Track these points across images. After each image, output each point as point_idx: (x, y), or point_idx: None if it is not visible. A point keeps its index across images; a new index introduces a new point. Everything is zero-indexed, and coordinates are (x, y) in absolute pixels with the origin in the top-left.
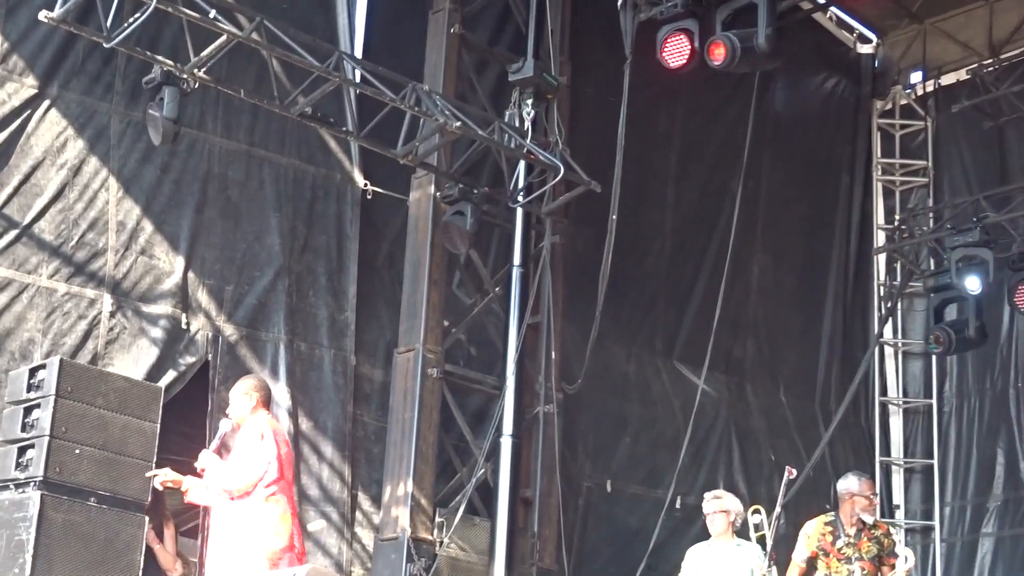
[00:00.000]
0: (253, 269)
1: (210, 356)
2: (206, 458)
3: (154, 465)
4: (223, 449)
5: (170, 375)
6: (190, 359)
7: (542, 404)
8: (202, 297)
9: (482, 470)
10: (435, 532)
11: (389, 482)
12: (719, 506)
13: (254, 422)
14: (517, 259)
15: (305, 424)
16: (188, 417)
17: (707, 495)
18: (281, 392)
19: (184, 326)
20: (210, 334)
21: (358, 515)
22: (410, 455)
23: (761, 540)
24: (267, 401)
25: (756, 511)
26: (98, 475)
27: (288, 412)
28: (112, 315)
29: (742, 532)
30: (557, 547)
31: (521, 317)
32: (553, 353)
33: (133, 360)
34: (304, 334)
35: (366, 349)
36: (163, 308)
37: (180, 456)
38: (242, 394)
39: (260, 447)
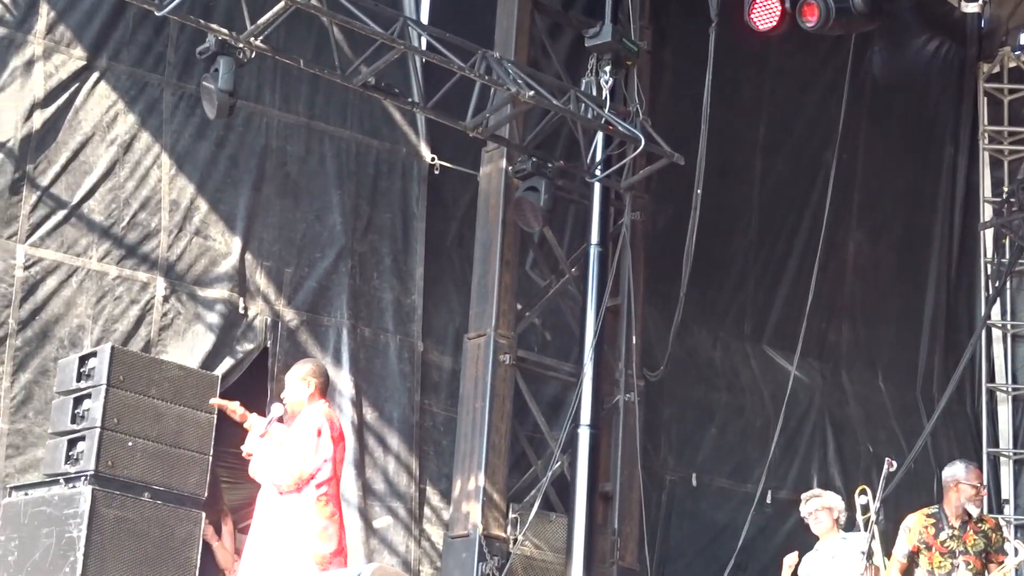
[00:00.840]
0: (314, 250)
1: (269, 343)
2: (254, 443)
3: (211, 459)
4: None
5: (227, 363)
6: (248, 346)
7: (622, 392)
8: (260, 280)
9: (558, 463)
10: (508, 529)
11: (459, 476)
12: (821, 503)
13: (311, 413)
14: (595, 237)
15: (370, 414)
16: (247, 404)
17: (805, 495)
18: (344, 380)
19: (241, 311)
20: (269, 319)
21: (426, 511)
22: (481, 447)
23: (868, 523)
24: (326, 389)
25: (863, 491)
26: (152, 469)
27: (351, 401)
28: (166, 299)
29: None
30: (639, 545)
31: (599, 300)
32: (634, 338)
33: (188, 347)
34: (368, 319)
35: (434, 334)
36: (219, 292)
37: (239, 449)
38: (299, 379)
39: (317, 443)
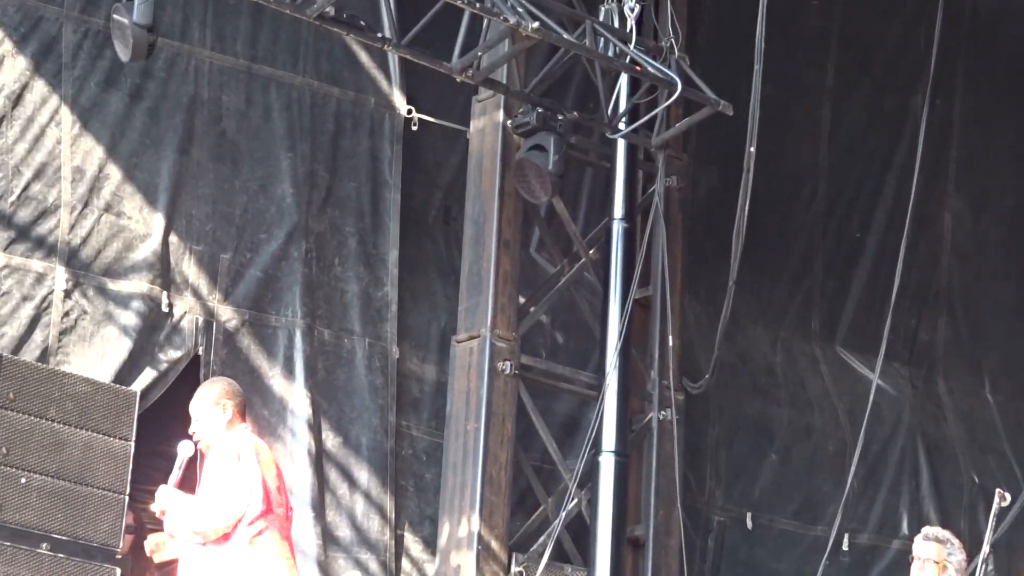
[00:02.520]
0: (258, 230)
1: (201, 349)
2: (165, 496)
3: (127, 498)
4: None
5: (148, 375)
6: (174, 353)
7: (655, 409)
8: (189, 269)
9: (574, 501)
10: None
11: (447, 519)
12: (954, 550)
13: (229, 441)
14: (618, 210)
15: (331, 440)
16: (172, 432)
17: (929, 532)
18: (298, 397)
19: (165, 309)
20: (200, 319)
21: (405, 564)
22: (475, 481)
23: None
24: (244, 411)
25: (1003, 497)
26: (52, 513)
27: (307, 424)
28: (68, 295)
29: None
30: None
31: (625, 290)
32: (670, 339)
33: (97, 355)
34: (328, 318)
35: (413, 337)
36: (137, 285)
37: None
38: (209, 405)
39: (238, 473)
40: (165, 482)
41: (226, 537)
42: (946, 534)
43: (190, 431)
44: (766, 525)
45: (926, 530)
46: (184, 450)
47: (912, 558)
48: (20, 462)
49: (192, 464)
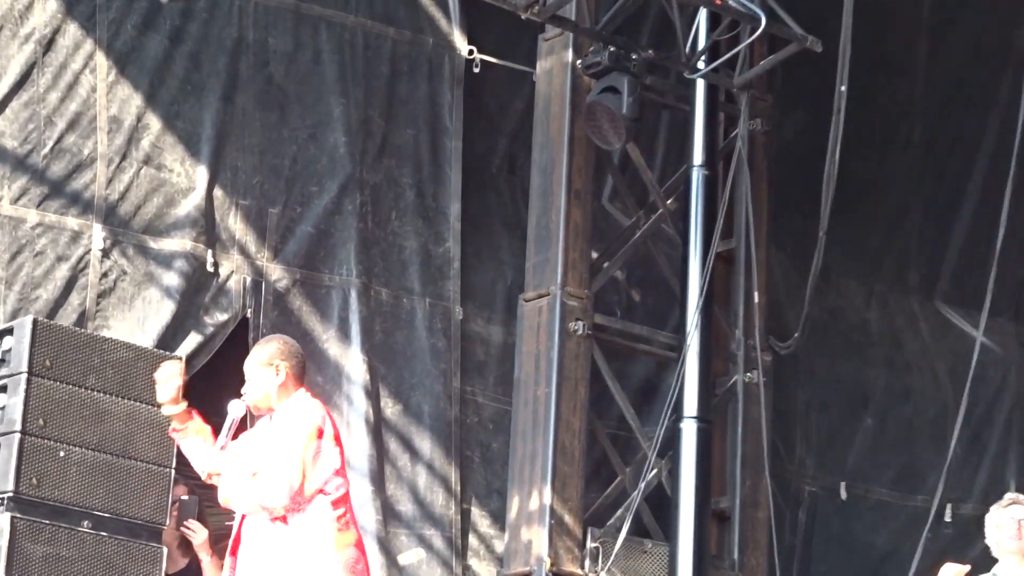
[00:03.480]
0: (308, 182)
1: (249, 311)
2: (214, 459)
3: (173, 472)
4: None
5: (193, 340)
6: (221, 316)
7: (740, 371)
8: (235, 225)
9: (654, 471)
10: (587, 564)
11: (517, 491)
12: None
13: (296, 407)
14: (698, 157)
15: (391, 408)
16: (219, 400)
17: (1010, 496)
18: (354, 362)
19: (210, 268)
20: (248, 279)
21: (472, 540)
22: (546, 451)
23: None
24: (302, 374)
25: None
26: (93, 488)
27: (365, 391)
28: (106, 255)
29: None
30: None
31: (706, 243)
32: (756, 295)
33: (138, 320)
34: (386, 276)
35: (477, 296)
36: (179, 243)
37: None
38: (262, 365)
39: (318, 446)
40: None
41: (298, 507)
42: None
43: (242, 391)
44: (861, 495)
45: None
46: (234, 410)
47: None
48: (58, 434)
49: (243, 426)
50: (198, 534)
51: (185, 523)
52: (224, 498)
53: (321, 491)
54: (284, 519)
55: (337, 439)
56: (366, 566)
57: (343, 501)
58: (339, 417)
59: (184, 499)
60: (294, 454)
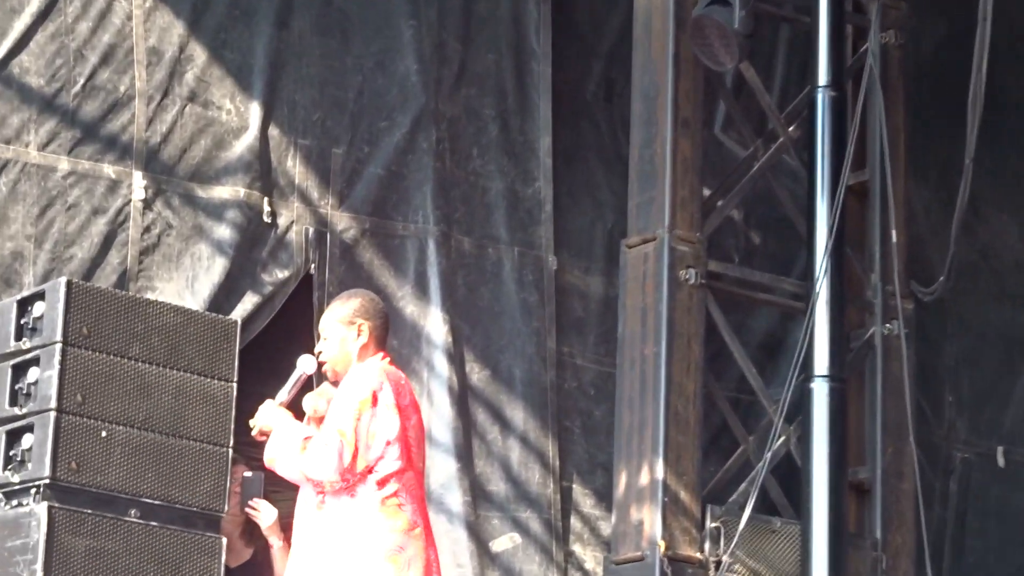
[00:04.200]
0: (376, 117)
1: (313, 266)
2: (270, 415)
3: (230, 452)
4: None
5: (249, 301)
6: (280, 273)
7: (878, 322)
8: (294, 169)
9: (780, 439)
10: (707, 546)
11: (624, 466)
12: None
13: (361, 373)
14: (823, 76)
15: (477, 374)
16: (281, 370)
17: None
18: (434, 322)
19: (267, 219)
20: (311, 230)
21: (574, 522)
22: (657, 419)
23: None
24: (384, 336)
25: None
26: (141, 472)
27: (447, 354)
28: (148, 206)
29: None
30: (915, 563)
31: (835, 175)
32: (893, 233)
33: (187, 280)
34: (468, 223)
35: (573, 243)
36: (231, 190)
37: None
38: (340, 323)
39: (371, 414)
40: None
41: (349, 487)
42: None
43: (317, 349)
44: (1021, 462)
45: None
46: (304, 364)
47: None
48: (99, 411)
49: (309, 384)
50: (265, 514)
51: (249, 503)
52: (269, 458)
53: (369, 468)
54: (322, 500)
55: (402, 407)
56: (424, 555)
57: (396, 477)
58: (418, 385)
59: (247, 475)
60: (346, 424)
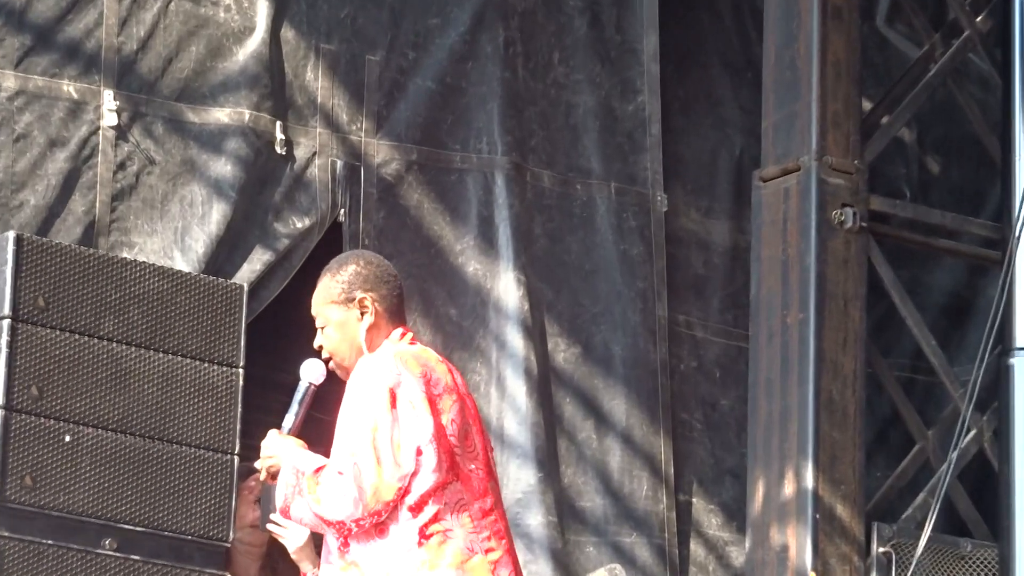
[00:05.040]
0: (425, 12)
1: (343, 212)
2: (277, 446)
3: (236, 460)
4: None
5: (259, 260)
6: (299, 222)
7: None
8: (315, 83)
9: (971, 434)
10: (874, 574)
11: (761, 472)
12: None
13: (371, 368)
14: None
15: (563, 352)
16: (301, 352)
17: None
18: (505, 283)
19: (281, 149)
20: (340, 164)
21: (695, 547)
22: (805, 409)
23: None
24: (399, 308)
25: None
26: (117, 489)
27: (523, 327)
28: (122, 135)
29: None
30: None
31: None
32: None
33: (175, 232)
34: (548, 151)
35: (689, 176)
36: (233, 113)
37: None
38: (336, 302)
39: (391, 423)
40: (309, 434)
41: (380, 530)
42: None
43: (315, 344)
44: None
45: None
46: (309, 373)
47: None
48: (62, 409)
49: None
50: (292, 534)
51: (271, 518)
52: (282, 504)
53: (403, 492)
54: (345, 547)
55: (433, 399)
56: None
57: (435, 495)
58: (485, 368)
59: (266, 483)
60: (361, 441)
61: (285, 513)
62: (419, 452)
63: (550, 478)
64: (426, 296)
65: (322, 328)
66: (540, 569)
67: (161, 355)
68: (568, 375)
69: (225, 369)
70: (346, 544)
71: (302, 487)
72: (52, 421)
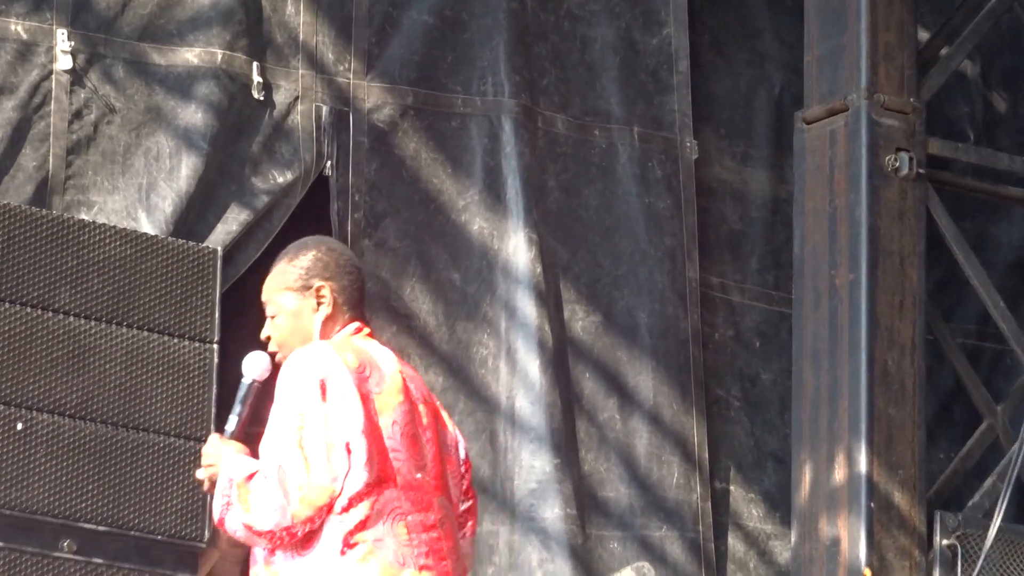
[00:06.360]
0: None
1: (330, 164)
2: (217, 452)
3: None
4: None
5: (235, 219)
6: (281, 176)
7: None
8: (296, 17)
9: None
10: (937, 573)
11: (808, 455)
12: None
13: (306, 355)
14: None
15: (582, 320)
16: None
17: None
18: (515, 244)
19: (258, 93)
20: (325, 109)
21: (733, 541)
22: (857, 383)
23: None
24: (357, 299)
25: None
26: (78, 485)
27: (535, 293)
28: (78, 79)
29: None
30: None
31: None
32: None
33: (139, 189)
34: (563, 91)
35: (722, 118)
36: (203, 53)
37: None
38: (293, 289)
39: (326, 420)
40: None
41: (308, 538)
42: None
43: (263, 334)
44: None
45: None
46: (252, 368)
47: None
48: (12, 393)
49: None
50: None
51: None
52: (216, 516)
53: (335, 494)
54: (271, 559)
55: (365, 393)
56: None
57: (367, 497)
58: (493, 339)
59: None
60: (287, 441)
61: (222, 527)
62: (347, 448)
63: (568, 465)
64: (425, 259)
65: (272, 317)
66: (557, 568)
67: (125, 330)
68: (587, 347)
69: (198, 345)
70: (272, 553)
71: (232, 497)
72: (2, 407)
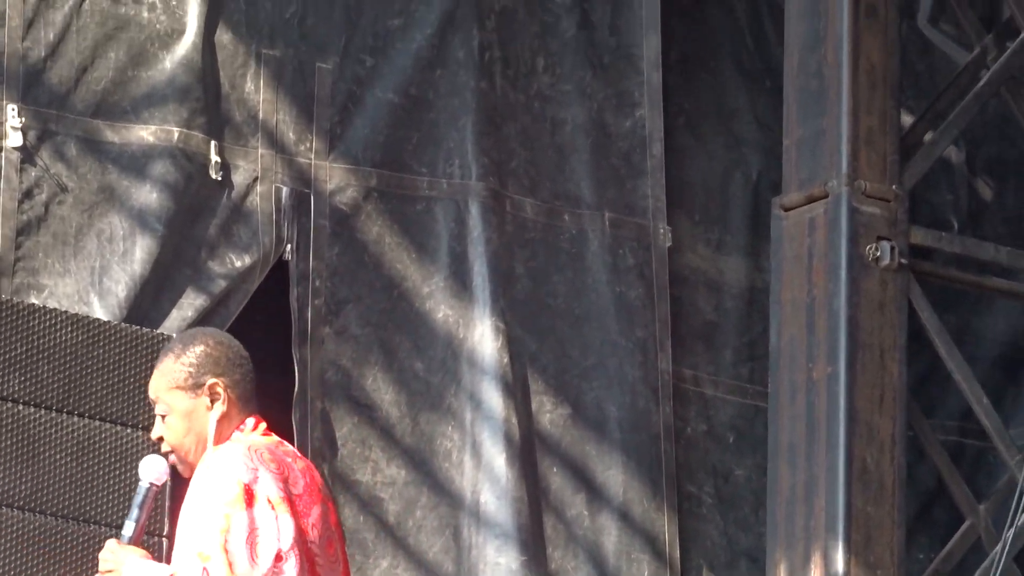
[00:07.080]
0: (386, 10)
1: (290, 248)
2: (119, 559)
3: (165, 541)
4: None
5: (190, 305)
6: (239, 260)
7: None
8: (256, 95)
9: None
10: None
11: (782, 555)
12: None
13: (221, 461)
14: None
15: (550, 413)
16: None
17: None
18: (482, 332)
19: (216, 175)
20: (286, 190)
21: None
22: (835, 479)
23: None
24: (249, 393)
25: None
26: None
27: (503, 385)
28: (28, 157)
29: None
30: None
31: None
32: None
33: (92, 272)
34: (531, 176)
35: (696, 204)
36: (159, 131)
37: None
38: (182, 388)
39: (251, 524)
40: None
41: None
42: None
43: (154, 435)
44: None
45: None
46: (149, 472)
47: None
48: None
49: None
50: None
51: None
52: None
53: None
54: None
55: (293, 499)
56: None
57: None
58: (457, 433)
59: None
60: (211, 542)
61: None
62: (279, 558)
63: (535, 562)
64: (388, 347)
65: (163, 417)
66: None
67: (76, 419)
68: (555, 440)
69: (151, 436)
70: None
71: None
72: None
